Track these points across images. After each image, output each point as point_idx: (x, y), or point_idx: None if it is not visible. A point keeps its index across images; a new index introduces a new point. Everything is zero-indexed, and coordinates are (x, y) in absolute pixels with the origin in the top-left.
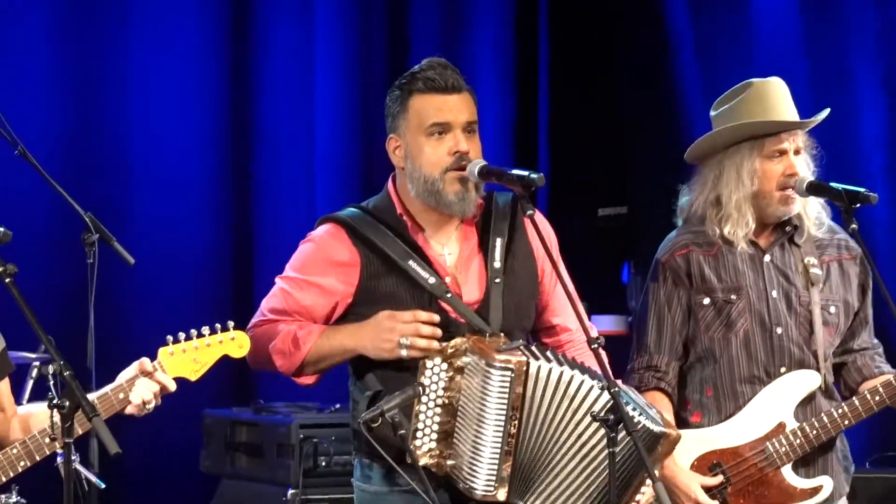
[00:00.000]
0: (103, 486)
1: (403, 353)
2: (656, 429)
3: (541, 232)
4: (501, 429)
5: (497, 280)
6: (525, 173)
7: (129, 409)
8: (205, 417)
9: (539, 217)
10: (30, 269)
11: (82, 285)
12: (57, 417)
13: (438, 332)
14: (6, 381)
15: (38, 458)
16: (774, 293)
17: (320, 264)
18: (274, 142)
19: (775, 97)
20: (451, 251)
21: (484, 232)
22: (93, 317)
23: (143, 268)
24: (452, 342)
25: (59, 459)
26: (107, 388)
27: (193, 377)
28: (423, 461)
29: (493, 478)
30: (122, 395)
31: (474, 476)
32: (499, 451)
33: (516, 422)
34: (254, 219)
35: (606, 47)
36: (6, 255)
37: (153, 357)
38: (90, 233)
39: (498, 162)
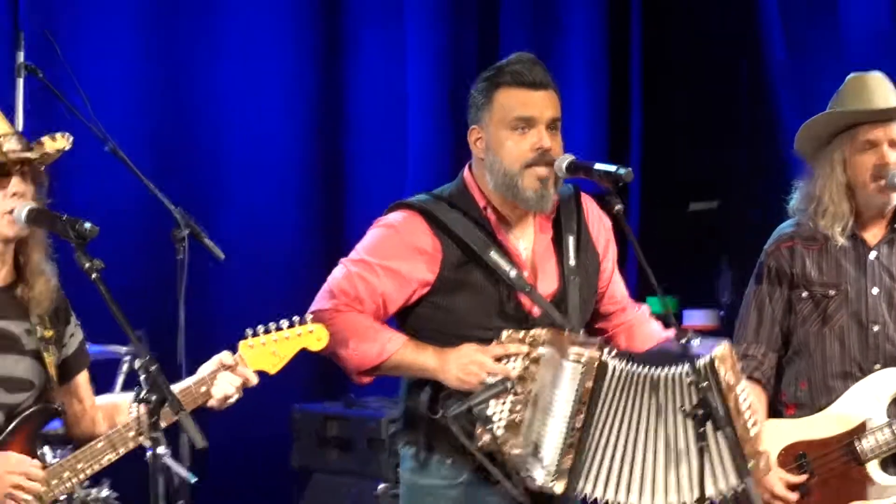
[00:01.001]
0: (194, 480)
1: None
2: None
3: (602, 229)
4: (567, 421)
5: (573, 277)
6: (613, 168)
7: (211, 403)
8: (294, 412)
9: (597, 209)
10: (121, 265)
11: (172, 280)
12: (143, 412)
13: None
14: (84, 373)
15: (121, 452)
16: (875, 290)
17: (400, 250)
18: (366, 137)
19: (871, 88)
20: (526, 245)
21: (557, 227)
22: (183, 312)
23: (233, 263)
24: (531, 332)
25: (149, 454)
26: (189, 382)
27: (273, 370)
28: (491, 447)
29: (554, 469)
30: (203, 389)
31: (535, 466)
32: (562, 443)
33: (582, 416)
34: (345, 215)
35: (698, 41)
36: (96, 251)
37: (235, 350)
38: (180, 228)
39: (590, 156)
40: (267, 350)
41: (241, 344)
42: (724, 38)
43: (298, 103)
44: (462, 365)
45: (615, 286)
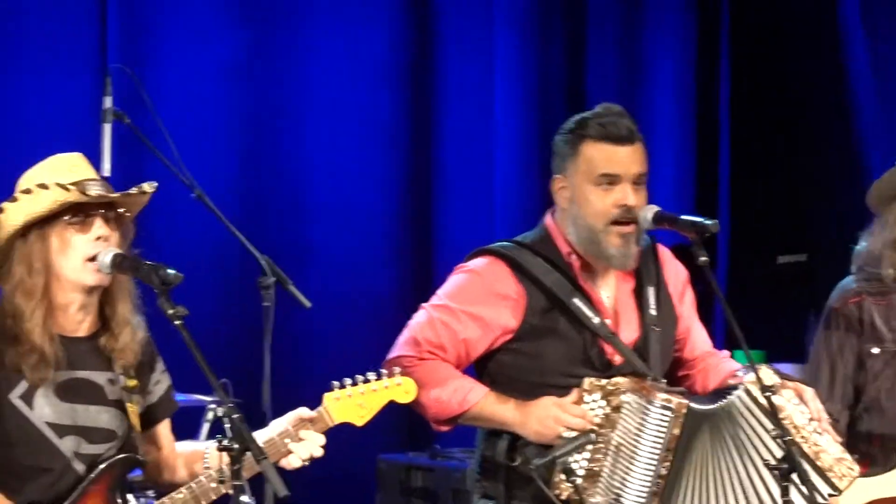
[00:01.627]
0: None
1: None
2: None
3: (679, 276)
4: (653, 469)
5: (654, 327)
6: (699, 220)
7: (292, 460)
8: (380, 463)
9: (671, 256)
10: (206, 312)
11: (258, 328)
12: (226, 460)
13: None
14: (166, 421)
15: (203, 503)
16: None
17: (483, 296)
18: (454, 182)
19: None
20: (608, 294)
21: (637, 277)
22: (268, 360)
23: (320, 310)
24: (613, 380)
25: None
26: (272, 433)
27: (360, 423)
28: (565, 495)
29: None
30: (287, 441)
31: None
32: (647, 491)
33: (668, 463)
34: (433, 261)
35: (787, 92)
36: (182, 298)
37: (319, 402)
38: (266, 276)
39: (677, 206)
40: (353, 402)
41: (327, 396)
42: (815, 92)
43: (386, 149)
44: (541, 419)
45: (695, 333)
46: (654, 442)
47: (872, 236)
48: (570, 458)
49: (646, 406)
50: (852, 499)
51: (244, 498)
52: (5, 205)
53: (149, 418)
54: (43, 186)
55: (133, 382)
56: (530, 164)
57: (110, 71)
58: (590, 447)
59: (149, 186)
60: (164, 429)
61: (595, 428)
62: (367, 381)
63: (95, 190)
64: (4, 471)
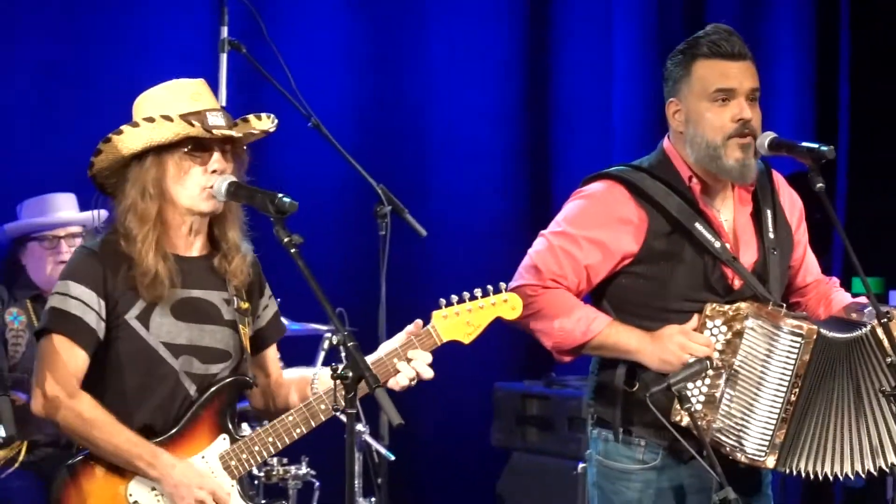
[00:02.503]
0: (392, 458)
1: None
2: None
3: (795, 204)
4: (782, 395)
5: (773, 250)
6: (815, 146)
7: (399, 380)
8: (496, 391)
9: (787, 185)
10: (322, 241)
11: (374, 257)
12: (340, 388)
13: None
14: (273, 346)
15: (313, 425)
16: None
17: (603, 220)
18: (571, 116)
19: None
20: (727, 217)
21: (755, 201)
22: (384, 288)
23: (436, 239)
24: (735, 305)
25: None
26: (380, 354)
27: (467, 340)
28: (685, 422)
29: (766, 444)
30: (396, 361)
31: (744, 440)
32: (776, 417)
33: (798, 389)
34: (550, 192)
35: None
36: (298, 226)
37: (428, 321)
38: (382, 205)
39: (796, 134)
40: (461, 320)
41: (435, 314)
42: None
43: (503, 79)
44: (665, 347)
45: (809, 259)
46: (784, 367)
47: None
48: (686, 385)
49: (773, 331)
50: None
51: (359, 426)
52: (125, 128)
53: (258, 343)
54: (167, 118)
55: (246, 304)
56: (649, 94)
57: (227, 1)
58: (710, 373)
59: (269, 122)
60: (272, 353)
61: (713, 357)
62: (473, 298)
63: (216, 122)
64: (118, 394)
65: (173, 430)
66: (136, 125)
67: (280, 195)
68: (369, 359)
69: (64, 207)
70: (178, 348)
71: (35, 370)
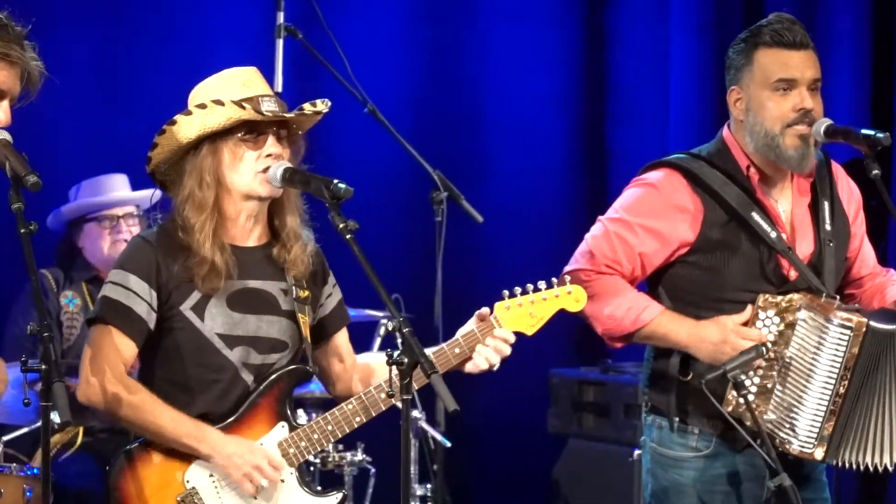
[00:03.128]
0: (448, 444)
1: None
2: None
3: (853, 195)
4: (831, 387)
5: (829, 242)
6: (871, 132)
7: (468, 368)
8: (552, 378)
9: (846, 176)
10: (378, 227)
11: (430, 243)
12: (396, 374)
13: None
14: (343, 332)
15: (373, 414)
16: None
17: (660, 209)
18: (629, 100)
19: None
20: (785, 208)
21: (813, 192)
22: (440, 274)
23: (492, 225)
24: (788, 297)
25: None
26: (443, 344)
27: (530, 332)
28: (739, 409)
29: (814, 436)
30: (457, 351)
31: (793, 431)
32: (824, 409)
33: (846, 382)
34: (606, 178)
35: None
36: (354, 212)
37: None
38: (439, 191)
39: (853, 122)
40: (524, 311)
41: (497, 305)
42: None
43: (560, 63)
44: (716, 342)
45: (865, 251)
46: (833, 360)
47: None
48: (741, 372)
49: (823, 324)
50: None
51: (415, 412)
52: (178, 117)
53: (324, 331)
54: (218, 103)
55: (305, 293)
56: (706, 81)
57: None
58: (763, 363)
59: (322, 105)
60: (342, 340)
61: (768, 345)
62: (537, 289)
63: (269, 107)
64: (175, 384)
65: (231, 419)
66: (189, 113)
67: (335, 181)
68: (432, 349)
69: (118, 188)
70: (233, 339)
71: (82, 358)
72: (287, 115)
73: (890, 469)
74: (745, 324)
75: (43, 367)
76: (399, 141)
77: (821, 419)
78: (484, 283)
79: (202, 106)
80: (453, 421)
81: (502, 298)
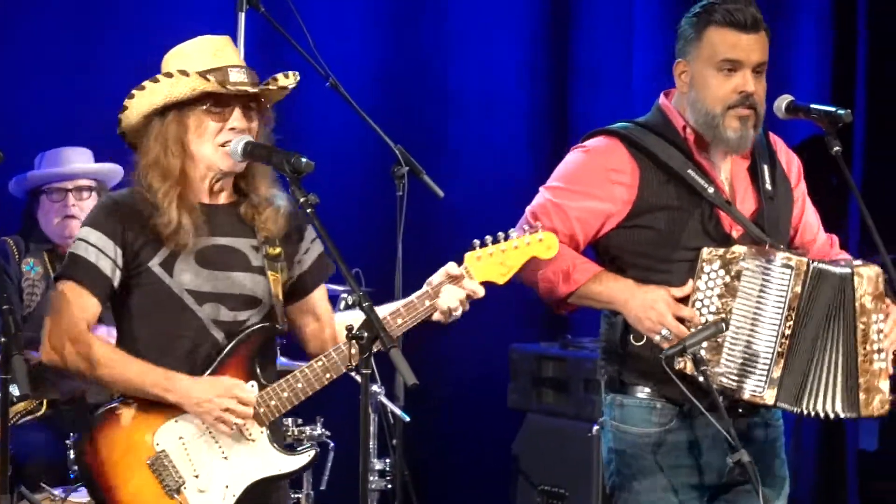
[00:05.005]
0: (408, 419)
1: (657, 338)
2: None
3: (792, 162)
4: (776, 329)
5: (771, 199)
6: (832, 109)
7: (436, 317)
8: (512, 353)
9: (785, 147)
10: (340, 202)
11: (391, 217)
12: (356, 348)
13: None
14: (321, 289)
15: (342, 370)
16: None
17: (596, 173)
18: (592, 73)
19: None
20: (725, 174)
21: (752, 157)
22: (401, 249)
23: (453, 200)
24: (732, 248)
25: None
26: (413, 296)
27: (501, 280)
28: (689, 370)
29: (764, 379)
30: (427, 303)
31: (744, 378)
32: (771, 351)
33: (791, 323)
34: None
35: None
36: (315, 187)
37: (460, 262)
38: (400, 165)
39: (814, 99)
40: (495, 261)
41: (468, 255)
42: None
43: (523, 38)
44: (645, 306)
45: (808, 217)
46: (777, 300)
47: None
48: (701, 348)
49: (766, 266)
50: None
51: (374, 387)
52: (146, 83)
53: (303, 286)
54: (184, 73)
55: (276, 251)
56: (670, 54)
57: None
58: (710, 314)
59: (291, 78)
60: (319, 297)
61: (715, 300)
62: (507, 237)
63: (236, 78)
64: (146, 343)
65: (201, 377)
66: (156, 80)
67: (296, 155)
68: (402, 301)
69: (76, 160)
70: (202, 296)
71: (45, 316)
72: (251, 90)
73: (841, 416)
74: (686, 299)
75: (2, 339)
76: (361, 115)
77: (769, 362)
78: (444, 257)
79: (169, 75)
80: (413, 395)
81: (473, 248)
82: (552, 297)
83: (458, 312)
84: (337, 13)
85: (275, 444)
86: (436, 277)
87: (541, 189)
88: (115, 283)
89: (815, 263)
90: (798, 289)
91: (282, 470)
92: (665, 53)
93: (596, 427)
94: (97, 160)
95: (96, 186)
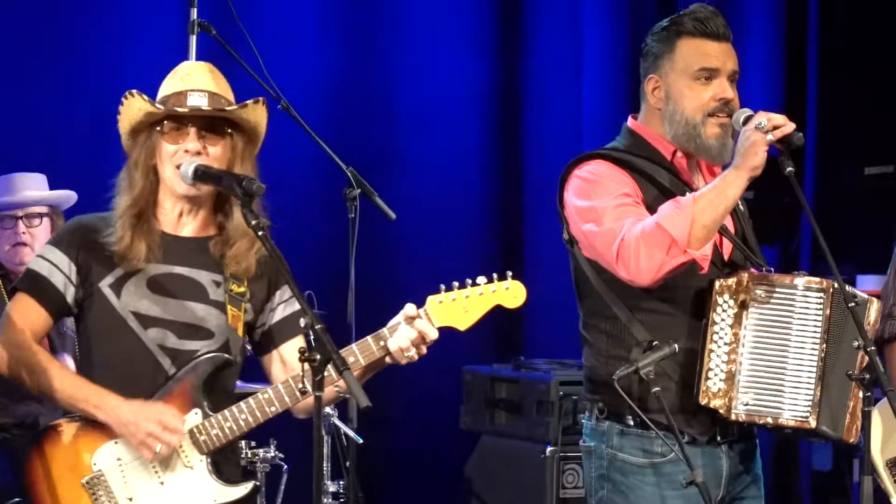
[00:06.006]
0: (361, 441)
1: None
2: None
3: None
4: (815, 353)
5: (746, 220)
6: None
7: (388, 360)
8: (465, 374)
9: None
10: (292, 224)
11: (344, 239)
12: (308, 371)
13: None
14: (297, 340)
15: (289, 404)
16: None
17: (613, 179)
18: (542, 92)
19: None
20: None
21: None
22: (353, 271)
23: (406, 221)
24: (736, 277)
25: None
26: (368, 336)
27: (463, 327)
28: (713, 403)
29: (809, 403)
30: (381, 343)
31: (783, 404)
32: (812, 376)
33: (825, 345)
34: (521, 174)
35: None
36: (267, 209)
37: (421, 304)
38: (352, 187)
39: None
40: (458, 306)
41: (430, 299)
42: None
43: (474, 59)
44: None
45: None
46: (814, 324)
47: None
48: (652, 371)
49: (789, 293)
50: None
51: (327, 409)
52: (120, 108)
53: (273, 338)
54: (131, 94)
55: (241, 289)
56: (618, 73)
57: None
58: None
59: (258, 104)
60: (289, 350)
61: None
62: (475, 284)
63: (193, 101)
64: (94, 365)
65: (133, 400)
66: (121, 104)
67: (248, 178)
68: (358, 343)
69: (27, 188)
70: (149, 320)
71: None
72: (203, 106)
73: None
74: None
75: None
76: (312, 137)
77: (811, 387)
78: (397, 279)
79: (125, 97)
80: (366, 417)
81: (437, 292)
82: (682, 241)
83: (412, 353)
84: (287, 35)
85: (214, 475)
86: (394, 320)
87: (583, 230)
88: (69, 298)
89: (839, 286)
90: (828, 311)
91: (217, 500)
92: (613, 73)
93: (551, 448)
94: (51, 182)
95: (48, 212)
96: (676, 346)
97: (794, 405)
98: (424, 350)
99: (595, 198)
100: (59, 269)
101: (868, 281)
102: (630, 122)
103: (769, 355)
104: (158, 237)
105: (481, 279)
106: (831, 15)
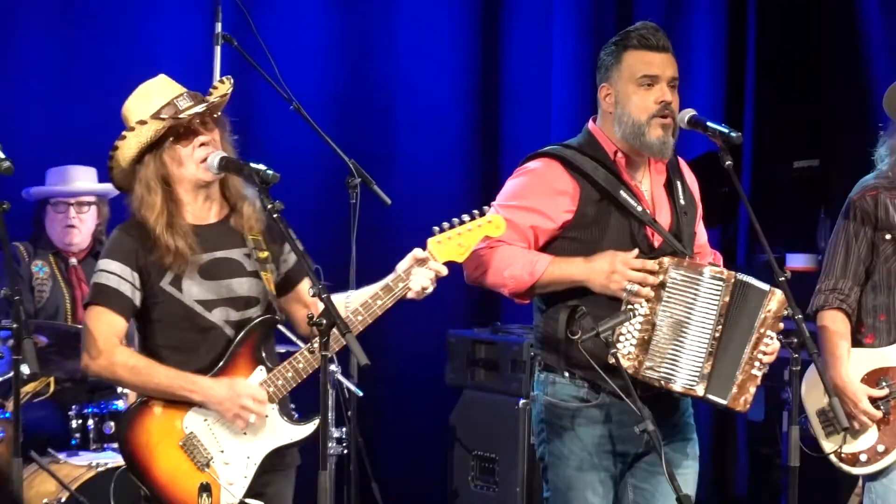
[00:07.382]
0: (360, 394)
1: (624, 294)
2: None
3: (695, 183)
4: (708, 332)
5: (685, 214)
6: (727, 130)
7: (410, 295)
8: (449, 337)
9: (688, 168)
10: (301, 208)
11: (346, 222)
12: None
13: (653, 280)
14: (305, 281)
15: (336, 349)
16: None
17: (542, 191)
18: (517, 96)
19: None
20: (646, 187)
21: (668, 172)
22: (354, 250)
23: (401, 206)
24: (658, 259)
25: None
26: (387, 279)
27: (461, 259)
28: (624, 363)
29: (697, 374)
30: (401, 285)
31: (675, 373)
32: (704, 351)
33: (721, 327)
34: (499, 164)
35: (810, 12)
36: (281, 195)
37: (424, 248)
38: (353, 177)
39: (709, 117)
40: (453, 243)
41: (430, 241)
42: (833, 7)
43: (460, 66)
44: (605, 275)
45: (700, 230)
46: (709, 307)
47: (891, 136)
48: (612, 333)
49: (696, 278)
50: (858, 367)
51: (332, 366)
52: (118, 142)
53: (288, 282)
54: (142, 122)
55: (265, 254)
56: (583, 80)
57: (221, 0)
58: (640, 320)
59: (224, 84)
60: (304, 288)
61: (639, 303)
62: (462, 222)
63: (184, 104)
64: (171, 348)
65: (216, 368)
66: (123, 137)
67: (265, 168)
68: (377, 284)
69: (80, 179)
70: (210, 303)
71: (82, 338)
72: (199, 109)
73: (710, 398)
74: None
75: (14, 325)
76: (319, 134)
77: (701, 360)
78: (392, 257)
79: (132, 129)
80: (364, 373)
81: (433, 234)
82: (520, 290)
83: (430, 290)
84: (299, 45)
85: (284, 417)
86: (404, 263)
87: (493, 205)
88: (137, 301)
89: (740, 276)
90: (727, 298)
91: (293, 438)
92: (578, 80)
93: (523, 401)
94: (99, 173)
95: (96, 201)
96: (632, 313)
97: (686, 374)
98: (434, 285)
99: (511, 198)
100: (123, 279)
101: (797, 259)
102: (589, 123)
103: (675, 330)
104: (192, 231)
105: (466, 216)
106: (768, 31)
